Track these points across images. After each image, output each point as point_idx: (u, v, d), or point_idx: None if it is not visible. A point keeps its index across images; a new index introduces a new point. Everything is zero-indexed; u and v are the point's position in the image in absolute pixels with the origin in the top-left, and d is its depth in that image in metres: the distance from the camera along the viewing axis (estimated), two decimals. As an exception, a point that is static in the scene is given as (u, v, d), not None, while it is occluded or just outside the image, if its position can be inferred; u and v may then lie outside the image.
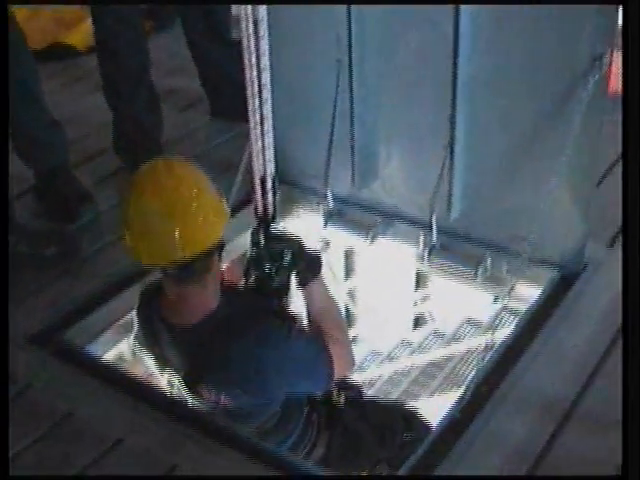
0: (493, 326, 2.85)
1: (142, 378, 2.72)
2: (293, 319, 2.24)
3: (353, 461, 2.60)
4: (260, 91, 2.17)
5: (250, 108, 2.19)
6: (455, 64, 2.74)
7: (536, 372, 2.60)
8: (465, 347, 5.12)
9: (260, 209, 2.25)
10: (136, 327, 2.32)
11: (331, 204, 3.47)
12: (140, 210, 1.94)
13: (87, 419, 2.47)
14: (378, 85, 3.11)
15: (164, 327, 2.16)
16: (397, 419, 2.72)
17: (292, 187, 3.56)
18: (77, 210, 3.38)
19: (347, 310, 5.53)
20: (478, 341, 5.02)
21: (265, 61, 2.14)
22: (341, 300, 5.32)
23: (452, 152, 3.00)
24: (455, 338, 5.34)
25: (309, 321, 2.31)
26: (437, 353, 5.27)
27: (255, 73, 2.14)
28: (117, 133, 3.67)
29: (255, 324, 2.10)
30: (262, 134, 2.24)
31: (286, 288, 2.25)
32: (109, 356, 3.06)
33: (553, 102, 2.67)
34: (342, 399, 2.51)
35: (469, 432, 2.39)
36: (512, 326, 2.88)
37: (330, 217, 3.50)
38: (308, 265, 2.25)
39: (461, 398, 2.49)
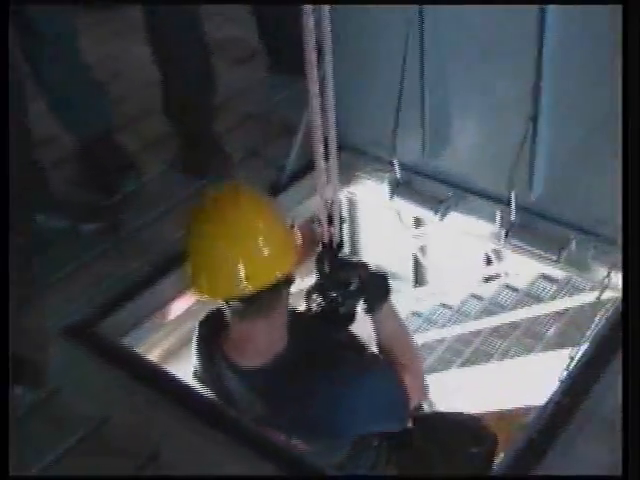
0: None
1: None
2: (365, 350, 2.10)
3: None
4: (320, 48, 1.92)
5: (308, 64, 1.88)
6: (542, 30, 2.38)
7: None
8: (543, 307, 4.80)
9: (326, 236, 2.07)
10: (195, 362, 2.12)
11: (398, 173, 3.15)
12: (203, 239, 1.82)
13: (125, 427, 2.25)
14: (453, 49, 2.77)
15: (228, 367, 1.98)
16: (464, 432, 2.49)
17: (355, 153, 3.25)
18: (120, 181, 3.13)
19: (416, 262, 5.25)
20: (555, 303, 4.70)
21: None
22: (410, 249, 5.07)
23: (535, 125, 2.65)
24: (529, 294, 5.04)
25: (379, 348, 2.15)
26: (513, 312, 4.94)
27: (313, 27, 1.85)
28: (166, 93, 3.37)
29: (327, 363, 1.94)
30: (322, 93, 1.97)
31: (353, 315, 2.10)
32: (154, 353, 2.84)
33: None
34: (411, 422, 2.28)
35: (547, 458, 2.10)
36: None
37: (397, 187, 3.18)
38: (376, 290, 2.08)
39: (539, 416, 2.21)
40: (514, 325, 4.84)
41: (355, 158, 3.26)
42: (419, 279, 5.62)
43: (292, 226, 1.94)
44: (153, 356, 2.85)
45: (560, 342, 4.36)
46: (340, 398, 1.92)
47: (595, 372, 2.37)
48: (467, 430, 2.51)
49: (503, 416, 5.21)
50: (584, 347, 2.49)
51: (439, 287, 5.47)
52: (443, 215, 3.08)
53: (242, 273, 1.78)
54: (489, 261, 5.09)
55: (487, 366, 4.71)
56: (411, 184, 3.17)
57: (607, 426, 2.15)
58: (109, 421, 2.26)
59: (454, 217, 3.09)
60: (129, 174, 3.19)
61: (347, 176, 3.26)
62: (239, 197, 1.88)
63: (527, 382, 4.62)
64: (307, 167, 3.14)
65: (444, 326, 5.28)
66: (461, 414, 2.55)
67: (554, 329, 4.58)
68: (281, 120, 3.52)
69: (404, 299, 5.18)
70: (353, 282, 2.02)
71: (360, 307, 2.09)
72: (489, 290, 5.34)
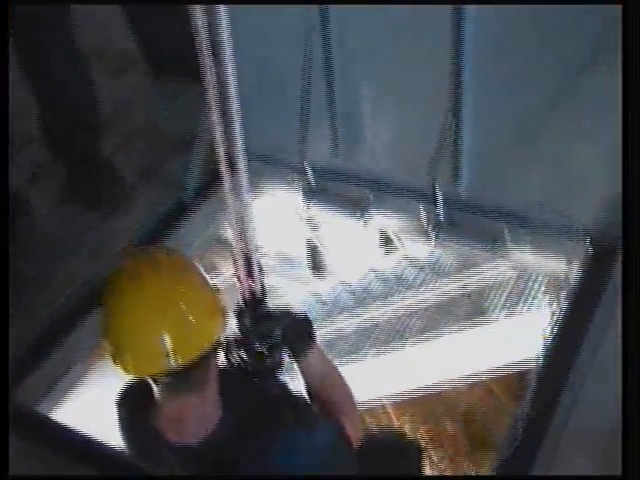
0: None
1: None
2: (300, 403, 1.95)
3: None
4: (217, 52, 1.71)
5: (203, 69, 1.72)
6: (459, 24, 2.23)
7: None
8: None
9: (246, 290, 1.95)
10: (124, 443, 1.92)
11: (311, 179, 2.94)
12: (122, 312, 1.67)
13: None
14: (363, 40, 2.56)
15: (165, 446, 1.80)
16: (391, 452, 2.47)
17: (263, 162, 3.01)
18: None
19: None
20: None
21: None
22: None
23: (457, 110, 2.49)
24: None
25: (311, 395, 2.04)
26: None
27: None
28: (44, 119, 3.02)
29: (270, 429, 1.80)
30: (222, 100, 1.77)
31: (280, 365, 2.00)
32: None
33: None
34: None
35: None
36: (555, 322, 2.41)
37: (312, 194, 2.97)
38: (300, 336, 2.00)
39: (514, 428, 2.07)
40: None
41: (262, 167, 3.02)
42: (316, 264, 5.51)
43: (217, 289, 1.79)
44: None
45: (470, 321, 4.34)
46: (289, 458, 1.79)
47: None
48: (396, 447, 2.50)
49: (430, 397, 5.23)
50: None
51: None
52: (367, 220, 2.90)
53: (169, 346, 1.64)
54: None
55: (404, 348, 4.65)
56: (327, 189, 2.96)
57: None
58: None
59: (378, 220, 2.91)
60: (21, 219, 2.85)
61: (256, 187, 3.02)
62: (157, 262, 1.73)
63: (447, 360, 4.58)
64: (211, 182, 2.92)
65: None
66: (386, 431, 2.48)
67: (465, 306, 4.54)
68: (174, 132, 3.23)
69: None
70: (276, 331, 1.95)
71: (285, 355, 2.00)
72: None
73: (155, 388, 1.74)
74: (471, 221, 2.71)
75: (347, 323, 4.88)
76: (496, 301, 4.39)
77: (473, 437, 5.14)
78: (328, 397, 2.01)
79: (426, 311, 4.75)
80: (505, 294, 4.27)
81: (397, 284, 5.18)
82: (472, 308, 4.53)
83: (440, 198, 2.66)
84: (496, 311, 4.35)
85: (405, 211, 2.84)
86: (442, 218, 2.71)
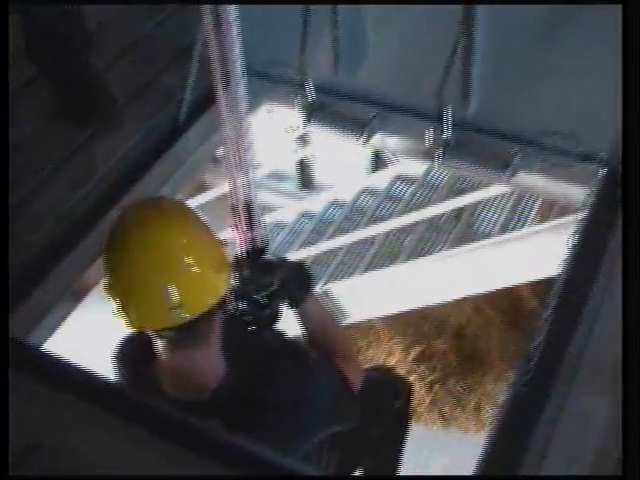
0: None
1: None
2: (301, 351, 1.92)
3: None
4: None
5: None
6: None
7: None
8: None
9: (246, 241, 1.93)
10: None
11: (311, 96, 2.79)
12: (126, 266, 1.59)
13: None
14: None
15: (169, 402, 1.70)
16: (385, 389, 2.45)
17: (261, 78, 2.85)
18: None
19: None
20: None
21: None
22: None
23: (469, 28, 2.34)
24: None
25: (310, 341, 2.05)
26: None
27: None
28: (28, 28, 2.81)
29: (275, 378, 1.77)
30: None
31: (278, 314, 1.98)
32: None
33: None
34: None
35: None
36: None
37: (312, 112, 2.82)
38: (298, 285, 1.98)
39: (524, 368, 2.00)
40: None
41: (260, 83, 2.86)
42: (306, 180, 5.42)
43: (224, 242, 1.73)
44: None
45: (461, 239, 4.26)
46: (298, 407, 1.78)
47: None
48: (387, 386, 2.46)
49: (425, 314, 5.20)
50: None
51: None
52: (367, 138, 2.76)
53: (175, 299, 1.57)
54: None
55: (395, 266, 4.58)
56: (327, 107, 2.82)
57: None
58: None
59: (380, 139, 2.78)
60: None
61: (253, 104, 2.86)
62: (164, 212, 1.64)
63: (439, 279, 4.51)
64: (208, 98, 2.76)
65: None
66: (375, 369, 2.43)
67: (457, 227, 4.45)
68: (170, 44, 3.05)
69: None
70: (275, 281, 1.92)
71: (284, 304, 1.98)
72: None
73: (158, 342, 1.66)
74: (480, 145, 2.59)
75: (338, 241, 4.77)
76: (491, 221, 4.31)
77: (462, 353, 5.13)
78: (327, 343, 2.00)
79: (418, 229, 4.67)
80: (502, 216, 4.17)
81: (390, 202, 5.09)
82: (465, 228, 4.45)
83: (448, 119, 2.54)
84: (490, 231, 4.28)
85: (408, 131, 2.71)
86: (449, 140, 2.59)
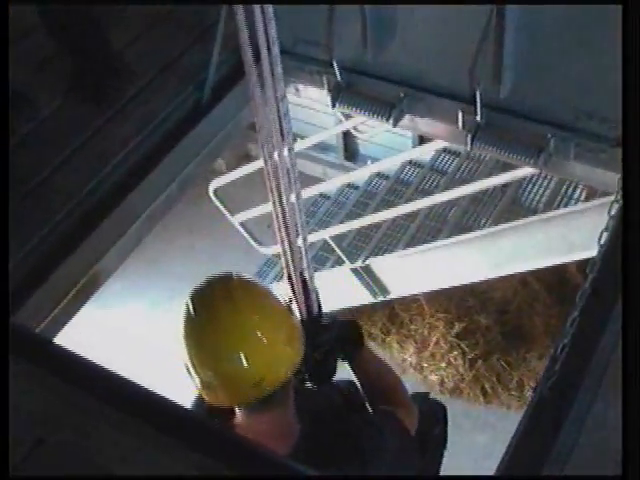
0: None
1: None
2: (363, 406, 2.04)
3: None
4: None
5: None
6: None
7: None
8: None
9: (303, 310, 2.04)
10: None
11: (339, 75, 2.69)
12: (203, 351, 1.66)
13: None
14: None
15: None
16: (428, 417, 2.38)
17: (286, 56, 2.74)
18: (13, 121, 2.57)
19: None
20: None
21: None
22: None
23: (501, 7, 2.21)
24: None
25: (366, 393, 2.08)
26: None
27: None
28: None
29: (345, 442, 1.82)
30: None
31: (334, 369, 2.05)
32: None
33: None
34: None
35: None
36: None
37: (339, 92, 2.72)
38: (351, 339, 2.06)
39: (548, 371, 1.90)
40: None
41: (286, 61, 2.76)
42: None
43: (289, 304, 1.81)
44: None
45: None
46: (372, 458, 1.83)
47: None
48: (428, 414, 2.41)
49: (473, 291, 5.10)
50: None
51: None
52: (396, 120, 2.66)
53: (257, 376, 1.64)
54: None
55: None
56: (355, 87, 2.71)
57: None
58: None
59: (409, 121, 2.67)
60: (23, 111, 2.64)
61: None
62: (232, 294, 1.68)
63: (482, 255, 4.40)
64: (232, 77, 2.69)
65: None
66: (414, 397, 2.38)
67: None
68: (192, 20, 2.97)
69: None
70: (329, 340, 2.00)
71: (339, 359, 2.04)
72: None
73: (236, 410, 1.74)
74: (513, 128, 2.46)
75: (382, 214, 4.66)
76: (536, 197, 4.18)
77: (505, 329, 5.02)
78: (384, 392, 2.05)
79: (462, 203, 4.55)
80: (547, 192, 4.04)
81: (435, 175, 4.98)
82: (510, 202, 4.32)
83: (480, 101, 2.42)
84: (536, 207, 4.16)
85: (439, 113, 2.60)
86: (481, 122, 2.47)
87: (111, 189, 2.52)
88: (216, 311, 1.65)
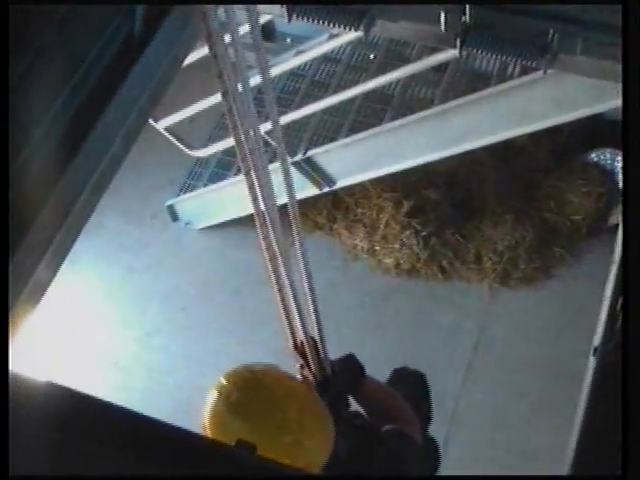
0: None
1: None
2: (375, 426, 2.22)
3: None
4: None
5: None
6: None
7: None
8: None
9: (317, 377, 2.17)
10: None
11: (291, -19, 2.28)
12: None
13: None
14: None
15: None
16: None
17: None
18: None
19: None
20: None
21: None
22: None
23: None
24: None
25: (372, 416, 2.27)
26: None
27: None
28: None
29: (374, 457, 2.06)
30: None
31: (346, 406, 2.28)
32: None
33: None
34: None
35: None
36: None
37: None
38: (353, 376, 2.24)
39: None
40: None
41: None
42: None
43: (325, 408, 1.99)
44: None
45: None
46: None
47: None
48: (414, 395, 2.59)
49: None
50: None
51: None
52: (367, 27, 2.28)
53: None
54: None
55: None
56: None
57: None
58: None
59: (382, 26, 2.31)
60: None
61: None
62: (264, 392, 1.88)
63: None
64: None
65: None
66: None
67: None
68: None
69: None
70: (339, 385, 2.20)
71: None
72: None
73: None
74: (509, 26, 2.14)
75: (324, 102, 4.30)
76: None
77: (455, 201, 4.85)
78: (389, 415, 2.23)
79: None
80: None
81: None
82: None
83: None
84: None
85: (418, 15, 2.24)
86: (469, 23, 2.14)
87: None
88: (249, 402, 1.85)
